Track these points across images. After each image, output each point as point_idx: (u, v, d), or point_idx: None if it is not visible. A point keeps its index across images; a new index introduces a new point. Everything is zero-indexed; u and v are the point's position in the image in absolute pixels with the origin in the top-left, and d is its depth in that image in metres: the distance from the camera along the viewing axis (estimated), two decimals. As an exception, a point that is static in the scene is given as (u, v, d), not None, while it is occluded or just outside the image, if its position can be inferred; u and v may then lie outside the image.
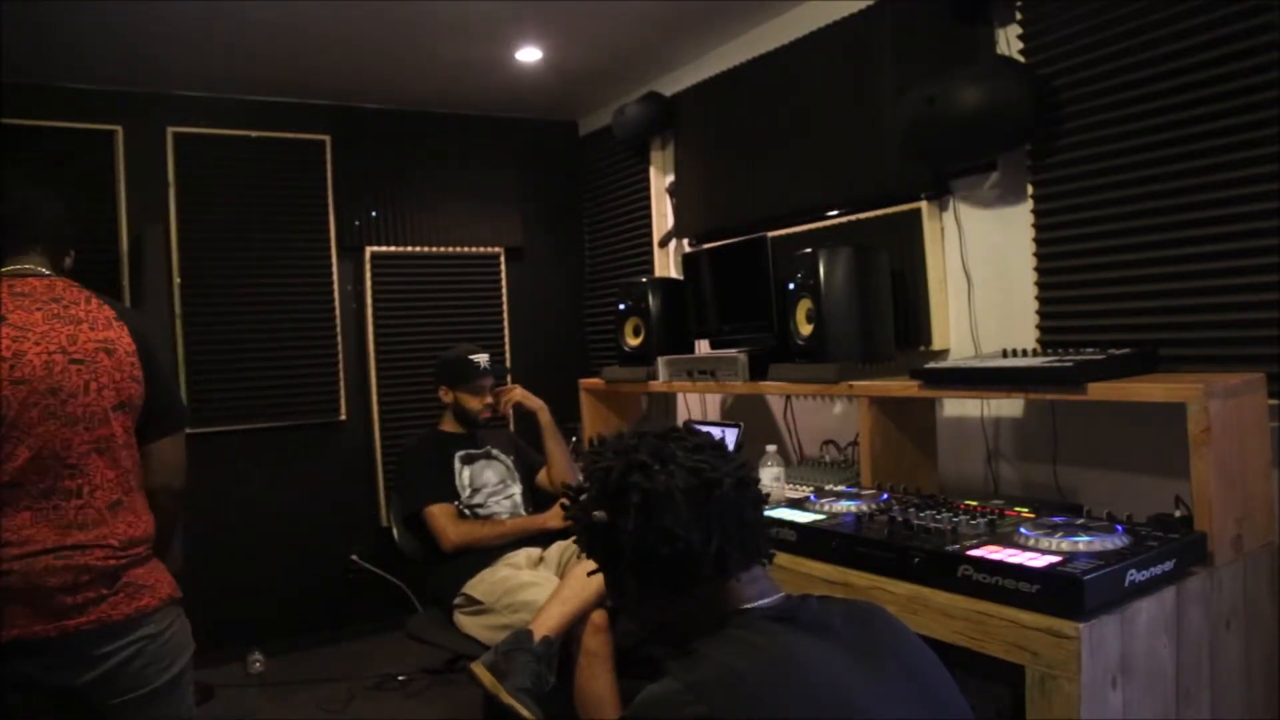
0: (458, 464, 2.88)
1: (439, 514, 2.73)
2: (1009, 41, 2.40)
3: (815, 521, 1.94)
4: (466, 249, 4.26)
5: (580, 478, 1.17)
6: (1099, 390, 1.80)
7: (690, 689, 0.96)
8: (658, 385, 3.21)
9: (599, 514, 1.09)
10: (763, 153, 3.26)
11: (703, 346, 3.40)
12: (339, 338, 3.97)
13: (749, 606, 1.08)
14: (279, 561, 3.88)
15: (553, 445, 2.99)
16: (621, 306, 3.42)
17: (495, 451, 3.00)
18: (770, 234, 2.93)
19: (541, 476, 3.11)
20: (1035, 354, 2.11)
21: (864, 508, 2.01)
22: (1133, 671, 1.45)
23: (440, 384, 2.98)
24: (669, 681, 0.99)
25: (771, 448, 2.51)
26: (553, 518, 2.81)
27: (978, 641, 1.52)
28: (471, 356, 2.96)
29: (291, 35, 3.13)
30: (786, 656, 1.00)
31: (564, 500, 1.18)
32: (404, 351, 4.07)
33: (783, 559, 1.86)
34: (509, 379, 4.24)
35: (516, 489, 2.97)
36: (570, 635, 2.32)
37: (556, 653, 2.24)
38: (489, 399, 2.99)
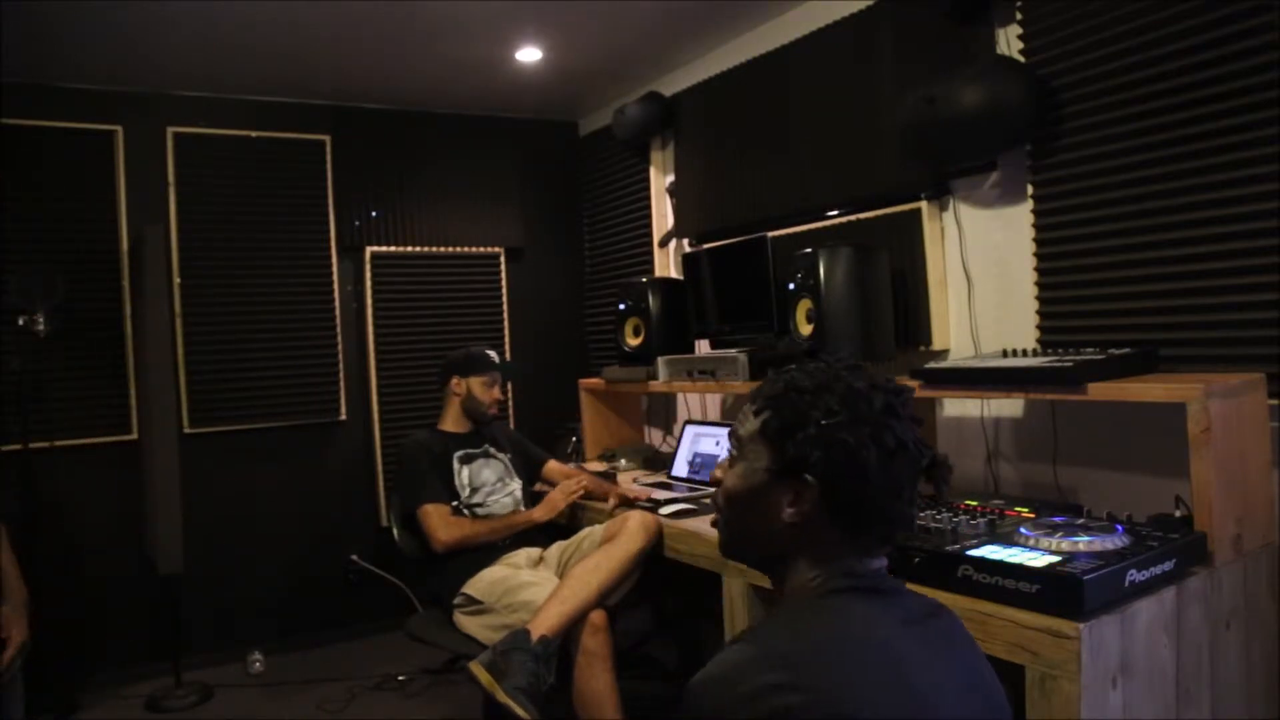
0: (456, 464, 2.88)
1: (432, 514, 2.73)
2: (1009, 41, 2.40)
3: (815, 521, 1.94)
4: (466, 249, 4.26)
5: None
6: (1099, 390, 1.80)
7: (768, 655, 0.95)
8: (658, 385, 3.22)
9: (844, 435, 1.03)
10: (762, 153, 3.26)
11: (703, 346, 3.40)
12: (339, 338, 3.97)
13: (851, 571, 1.06)
14: (279, 561, 3.88)
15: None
16: (621, 306, 3.42)
17: (492, 450, 3.00)
18: (770, 234, 2.93)
19: (551, 472, 3.12)
20: (1035, 354, 2.11)
21: (864, 508, 2.00)
22: (1133, 671, 1.45)
23: (452, 375, 2.99)
24: (744, 647, 0.98)
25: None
26: (538, 512, 2.80)
27: (978, 641, 1.52)
28: (487, 351, 3.05)
29: (291, 35, 3.13)
30: (872, 637, 1.00)
31: (778, 361, 1.15)
32: (404, 351, 4.07)
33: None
34: (509, 384, 4.29)
35: (515, 485, 2.98)
36: (569, 635, 2.32)
37: (555, 652, 2.24)
38: (498, 395, 3.02)
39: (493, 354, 3.06)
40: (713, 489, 2.76)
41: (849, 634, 1.00)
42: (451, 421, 3.00)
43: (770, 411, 1.09)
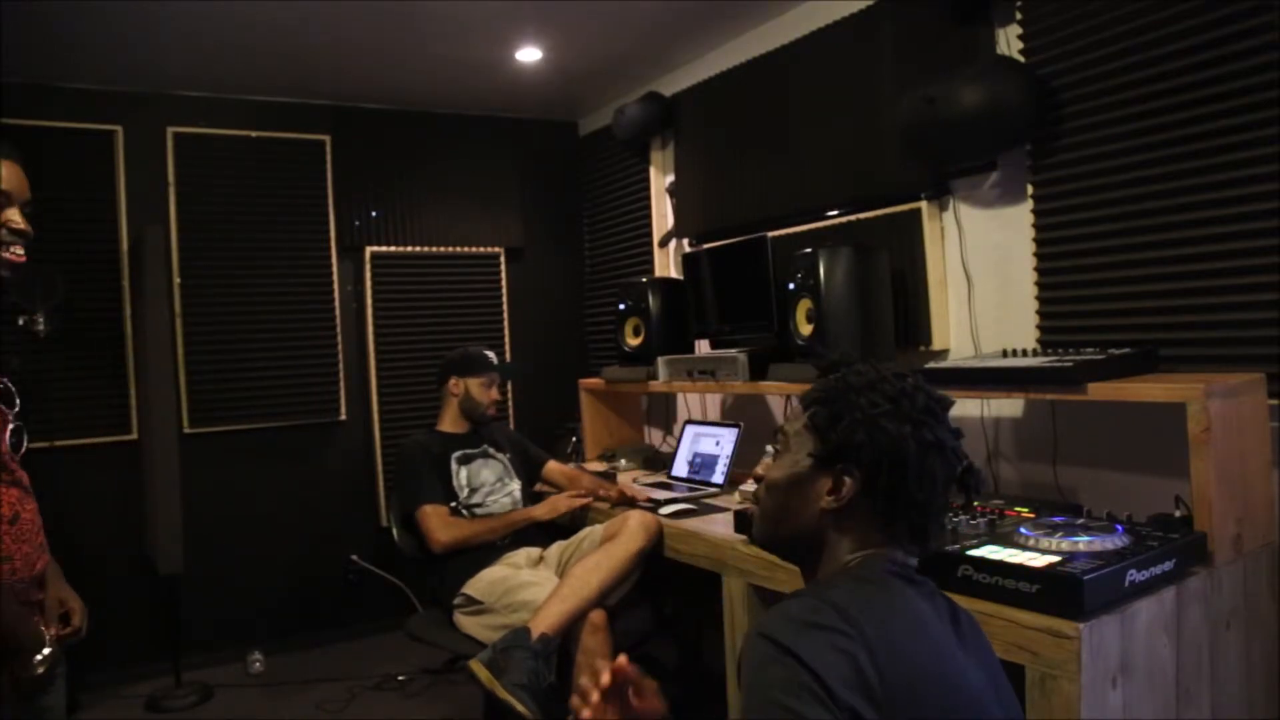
0: (454, 465, 2.88)
1: (431, 514, 2.73)
2: (1009, 41, 2.40)
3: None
4: (466, 249, 4.26)
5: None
6: (1099, 390, 1.80)
7: (829, 603, 1.00)
8: (658, 385, 3.22)
9: (887, 424, 1.09)
10: (762, 153, 3.26)
11: (703, 346, 3.40)
12: (339, 338, 3.97)
13: (887, 557, 1.11)
14: (279, 561, 3.88)
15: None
16: (621, 306, 3.42)
17: (491, 450, 3.00)
18: (770, 234, 2.93)
19: (551, 472, 3.11)
20: (1035, 354, 2.11)
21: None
22: (1133, 671, 1.45)
23: (450, 376, 2.99)
24: (803, 596, 1.04)
25: (772, 448, 2.50)
26: (539, 510, 2.81)
27: (978, 641, 1.52)
28: (485, 351, 3.05)
29: (291, 35, 3.13)
30: (916, 616, 1.05)
31: (826, 368, 1.22)
32: (404, 351, 4.07)
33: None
34: (509, 384, 4.29)
35: (515, 485, 2.97)
36: (569, 634, 2.32)
37: (555, 650, 2.24)
38: (496, 395, 3.03)
39: (490, 354, 3.05)
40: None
41: (894, 605, 1.04)
42: (450, 422, 2.99)
43: (819, 405, 1.15)
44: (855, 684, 0.94)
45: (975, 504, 1.95)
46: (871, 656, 0.95)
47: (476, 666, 2.18)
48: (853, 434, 1.09)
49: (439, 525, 2.71)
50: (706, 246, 3.31)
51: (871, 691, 0.94)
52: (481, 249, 4.30)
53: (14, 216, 1.48)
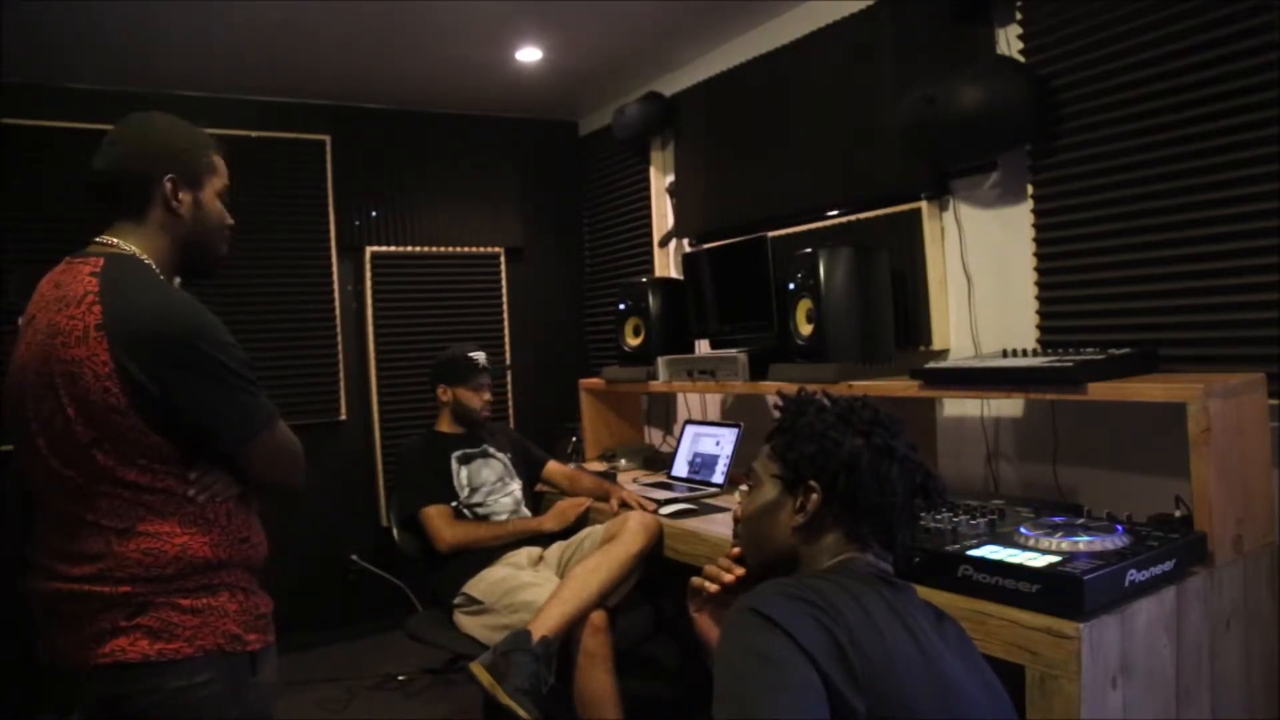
0: (455, 464, 2.88)
1: (434, 515, 2.73)
2: (1009, 41, 2.40)
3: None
4: (466, 249, 4.26)
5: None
6: (1099, 390, 1.80)
7: (807, 586, 1.06)
8: (658, 385, 3.22)
9: (833, 433, 1.18)
10: (763, 153, 3.26)
11: (703, 346, 3.40)
12: (339, 338, 3.97)
13: (863, 560, 1.17)
14: (279, 561, 3.84)
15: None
16: (621, 306, 3.42)
17: (492, 450, 3.00)
18: (770, 234, 2.93)
19: (551, 473, 3.11)
20: (1035, 354, 2.11)
21: (864, 508, 2.00)
22: (1133, 671, 1.45)
23: (439, 384, 2.99)
24: (781, 580, 1.10)
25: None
26: (549, 521, 2.81)
27: (978, 641, 1.51)
28: (471, 354, 3.00)
29: (291, 35, 3.13)
30: (894, 613, 1.07)
31: (781, 400, 1.29)
32: (404, 351, 4.07)
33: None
34: (508, 376, 4.29)
35: (515, 485, 2.97)
36: (570, 636, 2.32)
37: (555, 653, 2.24)
38: (488, 396, 3.01)
39: (476, 356, 3.00)
40: (712, 489, 2.74)
41: (870, 597, 1.07)
42: (447, 423, 2.99)
43: (779, 435, 1.25)
44: (836, 659, 0.97)
45: (977, 504, 1.95)
46: (851, 636, 0.99)
47: (478, 670, 2.17)
48: (807, 448, 1.18)
49: (445, 525, 2.71)
50: (706, 246, 3.31)
51: (852, 669, 0.97)
52: (481, 249, 4.30)
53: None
